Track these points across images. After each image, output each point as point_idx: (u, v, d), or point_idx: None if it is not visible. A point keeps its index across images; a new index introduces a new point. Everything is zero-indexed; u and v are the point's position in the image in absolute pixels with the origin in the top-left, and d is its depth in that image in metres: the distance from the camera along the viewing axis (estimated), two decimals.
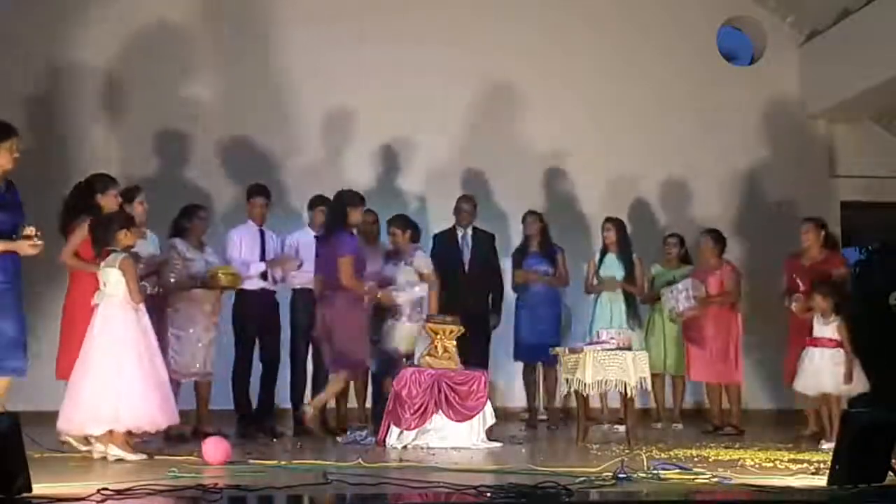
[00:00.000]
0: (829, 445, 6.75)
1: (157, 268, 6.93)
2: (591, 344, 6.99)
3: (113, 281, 5.71)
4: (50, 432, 5.75)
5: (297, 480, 4.52)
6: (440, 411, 6.68)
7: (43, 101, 8.97)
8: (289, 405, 7.82)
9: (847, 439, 4.47)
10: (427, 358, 6.92)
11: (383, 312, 7.44)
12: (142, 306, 5.81)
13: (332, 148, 9.49)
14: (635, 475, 4.73)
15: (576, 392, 6.93)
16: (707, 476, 4.84)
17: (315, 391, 7.79)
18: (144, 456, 5.65)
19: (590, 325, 8.32)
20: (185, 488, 4.25)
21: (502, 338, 8.57)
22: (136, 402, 5.60)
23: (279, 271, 7.61)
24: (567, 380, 6.94)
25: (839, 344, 6.88)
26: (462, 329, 7.04)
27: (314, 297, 7.71)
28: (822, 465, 5.18)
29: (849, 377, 6.81)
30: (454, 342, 6.98)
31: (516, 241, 8.92)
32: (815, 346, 6.97)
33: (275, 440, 7.10)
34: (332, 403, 7.70)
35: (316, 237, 7.80)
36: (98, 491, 3.95)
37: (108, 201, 6.32)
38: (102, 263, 5.77)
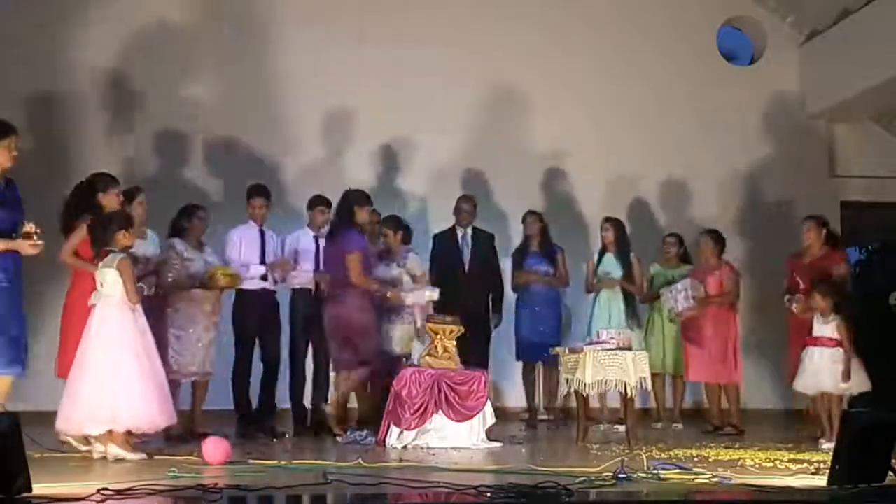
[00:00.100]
0: (828, 445, 6.78)
1: (155, 268, 6.92)
2: (591, 344, 6.99)
3: (110, 281, 5.71)
4: (50, 432, 5.75)
5: (297, 480, 4.52)
6: (440, 411, 6.68)
7: (43, 101, 8.97)
8: (289, 405, 7.83)
9: (847, 439, 4.47)
10: (427, 358, 6.92)
11: (379, 313, 7.45)
12: (139, 307, 5.80)
13: (332, 148, 9.49)
14: (635, 475, 4.72)
15: (576, 392, 6.93)
16: (707, 476, 4.83)
17: (315, 391, 7.81)
18: (144, 455, 5.65)
19: (588, 325, 8.32)
20: (185, 488, 4.25)
21: (503, 338, 8.57)
22: (133, 402, 5.60)
23: (278, 273, 7.61)
24: (567, 380, 6.94)
25: (839, 343, 6.87)
26: (462, 329, 7.04)
27: (313, 296, 7.74)
28: (822, 465, 5.18)
29: (846, 375, 6.80)
30: (454, 342, 6.98)
31: (516, 241, 8.92)
32: (815, 345, 6.97)
33: (275, 440, 7.10)
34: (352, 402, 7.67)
35: (315, 237, 7.85)
36: (98, 491, 3.95)
37: (110, 200, 6.33)
38: (100, 264, 5.77)
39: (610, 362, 6.75)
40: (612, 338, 6.97)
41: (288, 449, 6.57)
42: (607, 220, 8.55)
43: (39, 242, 5.45)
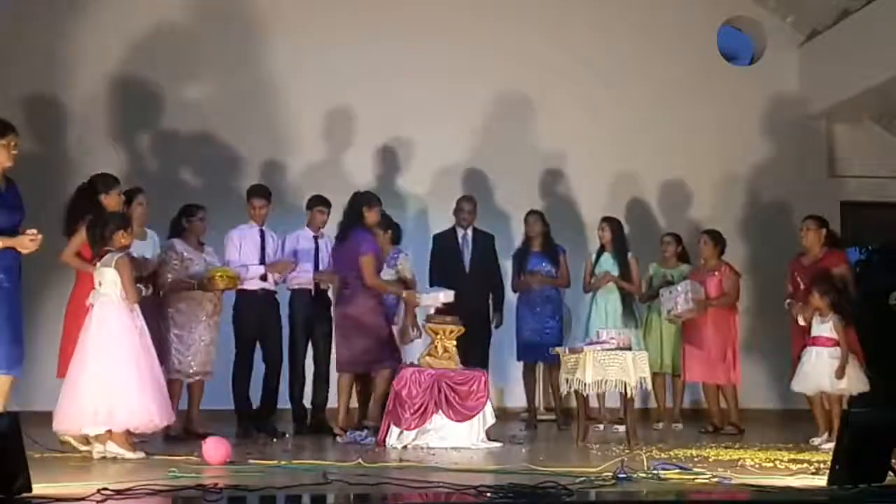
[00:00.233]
0: (819, 441, 6.79)
1: (155, 268, 6.92)
2: (591, 344, 6.99)
3: (108, 281, 5.72)
4: (50, 432, 5.75)
5: (297, 480, 4.52)
6: (440, 411, 6.68)
7: (43, 101, 8.98)
8: (289, 405, 7.83)
9: (847, 439, 4.47)
10: (427, 358, 6.92)
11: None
12: (137, 306, 5.81)
13: (333, 148, 9.49)
14: (635, 475, 4.72)
15: (576, 392, 6.94)
16: (707, 476, 4.83)
17: (316, 391, 7.81)
18: (143, 454, 5.66)
19: (586, 325, 8.32)
20: (185, 488, 4.25)
21: (503, 338, 8.57)
22: (131, 402, 5.61)
23: (277, 273, 7.60)
24: (567, 380, 6.94)
25: (837, 343, 6.87)
26: (462, 329, 7.04)
27: (313, 296, 7.75)
28: (822, 465, 5.18)
29: (840, 372, 6.80)
30: (454, 342, 6.98)
31: (516, 241, 8.93)
32: (814, 345, 6.98)
33: (275, 440, 7.10)
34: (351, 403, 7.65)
35: (315, 237, 7.85)
36: (98, 491, 3.95)
37: (111, 201, 6.35)
38: (98, 263, 5.78)
39: (610, 362, 6.75)
40: (612, 338, 6.96)
41: (288, 449, 6.56)
42: (605, 219, 8.56)
43: (38, 237, 5.44)
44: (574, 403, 7.28)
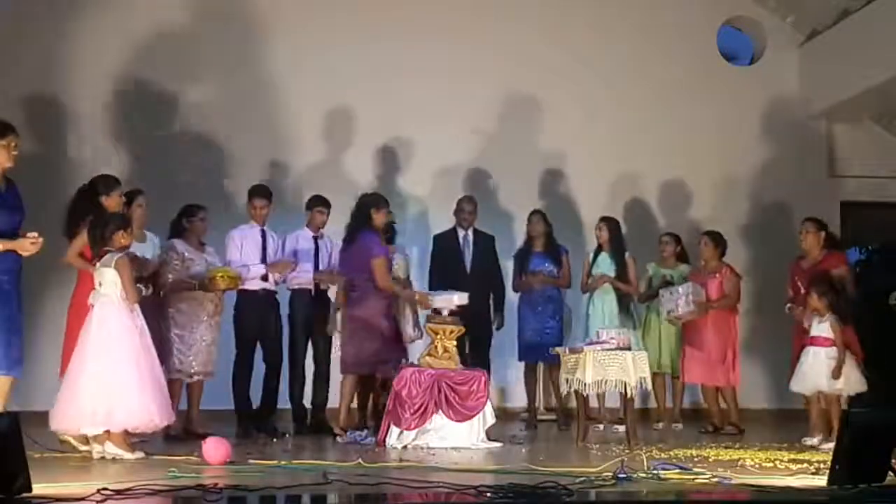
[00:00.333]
0: (812, 441, 6.78)
1: (156, 269, 6.93)
2: (591, 344, 6.99)
3: (108, 280, 5.73)
4: (50, 432, 5.75)
5: (297, 480, 4.53)
6: (440, 411, 6.68)
7: (43, 101, 8.97)
8: (289, 405, 7.83)
9: (847, 439, 4.47)
10: (427, 358, 6.92)
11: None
12: (137, 306, 5.82)
13: (333, 148, 9.49)
14: (635, 475, 4.72)
15: (576, 392, 6.94)
16: (707, 476, 4.83)
17: (316, 391, 7.82)
18: (142, 454, 5.66)
19: (584, 325, 8.32)
20: (184, 488, 4.25)
21: (504, 338, 8.57)
22: (130, 402, 5.61)
23: (277, 273, 7.61)
24: (567, 380, 6.94)
25: (834, 343, 6.87)
26: (462, 329, 7.05)
27: (313, 296, 7.75)
28: (822, 465, 5.18)
29: (837, 372, 6.80)
30: (454, 342, 6.98)
31: (517, 241, 8.93)
32: (812, 345, 6.98)
33: (275, 440, 7.10)
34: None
35: (314, 237, 7.85)
36: (98, 491, 3.95)
37: (112, 202, 6.35)
38: (98, 263, 5.79)
39: (610, 362, 6.76)
40: (612, 338, 6.96)
41: (288, 449, 6.56)
42: (602, 219, 8.56)
43: (39, 240, 5.44)
44: (574, 403, 7.28)
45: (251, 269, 7.46)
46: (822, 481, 4.58)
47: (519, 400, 8.94)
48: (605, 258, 8.44)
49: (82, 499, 3.88)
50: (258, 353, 7.59)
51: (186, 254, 7.22)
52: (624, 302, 8.34)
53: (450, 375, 6.77)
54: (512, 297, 8.61)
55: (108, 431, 5.62)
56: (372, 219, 7.23)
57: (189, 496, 4.13)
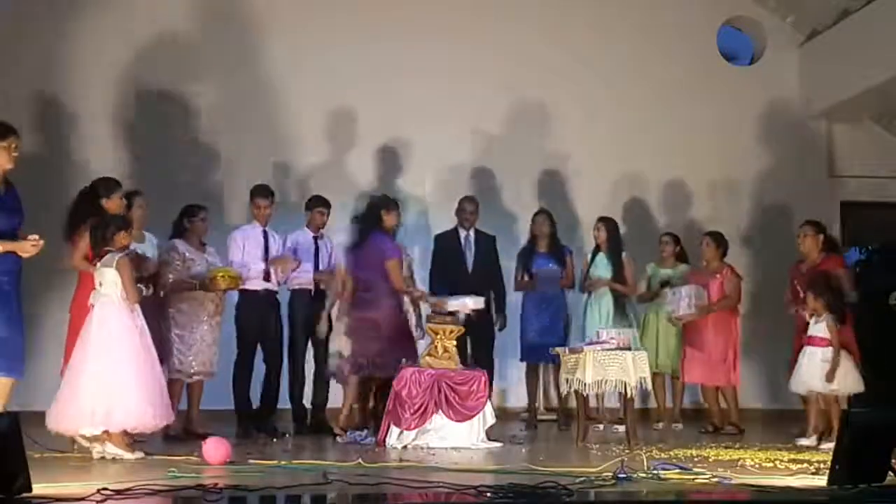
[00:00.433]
0: (806, 441, 6.77)
1: (156, 269, 6.93)
2: (590, 344, 6.99)
3: (108, 281, 5.73)
4: (50, 432, 5.74)
5: (297, 480, 4.52)
6: (440, 411, 6.68)
7: (43, 101, 8.97)
8: (289, 405, 7.83)
9: (847, 439, 4.47)
10: (427, 358, 6.91)
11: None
12: (137, 306, 5.82)
13: (333, 148, 9.49)
14: (635, 475, 4.72)
15: (576, 392, 6.94)
16: (707, 476, 4.83)
17: (316, 391, 7.82)
18: (142, 454, 5.66)
19: (582, 326, 8.32)
20: (184, 488, 4.25)
21: (505, 339, 8.56)
22: (130, 402, 5.61)
23: (280, 269, 7.60)
24: (567, 380, 6.94)
25: (831, 343, 6.88)
26: (462, 329, 7.05)
27: (313, 296, 7.74)
28: (822, 465, 5.17)
29: (830, 376, 6.80)
30: (454, 342, 6.98)
31: (517, 241, 8.93)
32: (809, 344, 6.99)
33: (275, 440, 7.10)
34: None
35: (315, 237, 7.86)
36: (98, 491, 3.95)
37: (113, 205, 6.35)
38: (98, 263, 5.79)
39: (610, 362, 6.76)
40: (612, 338, 6.97)
41: (288, 449, 6.56)
42: (600, 219, 8.55)
43: (40, 242, 5.44)
44: (574, 403, 7.28)
45: (252, 268, 7.46)
46: (822, 481, 4.58)
47: (519, 400, 8.94)
48: (602, 259, 8.44)
49: (82, 499, 3.88)
50: (258, 354, 7.58)
51: (187, 254, 7.22)
52: (620, 303, 8.34)
53: (450, 375, 6.77)
54: (514, 297, 8.59)
55: (106, 431, 5.62)
56: (382, 220, 7.24)
57: (189, 496, 4.13)
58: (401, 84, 9.40)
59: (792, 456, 5.98)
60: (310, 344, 7.82)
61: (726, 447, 6.58)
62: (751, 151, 10.10)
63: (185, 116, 9.21)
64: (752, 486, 4.57)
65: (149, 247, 7.05)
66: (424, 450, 6.39)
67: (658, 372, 8.26)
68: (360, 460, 5.47)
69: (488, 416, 6.80)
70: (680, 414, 8.60)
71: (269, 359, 7.60)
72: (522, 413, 8.80)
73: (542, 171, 9.80)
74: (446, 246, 8.46)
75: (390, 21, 9.49)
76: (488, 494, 4.12)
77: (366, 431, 6.98)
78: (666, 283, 8.39)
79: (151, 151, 9.11)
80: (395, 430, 6.63)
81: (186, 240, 7.30)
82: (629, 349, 6.93)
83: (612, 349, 6.82)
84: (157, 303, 6.91)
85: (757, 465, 5.45)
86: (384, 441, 6.62)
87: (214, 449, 5.41)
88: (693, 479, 4.79)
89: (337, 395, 7.56)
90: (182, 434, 6.94)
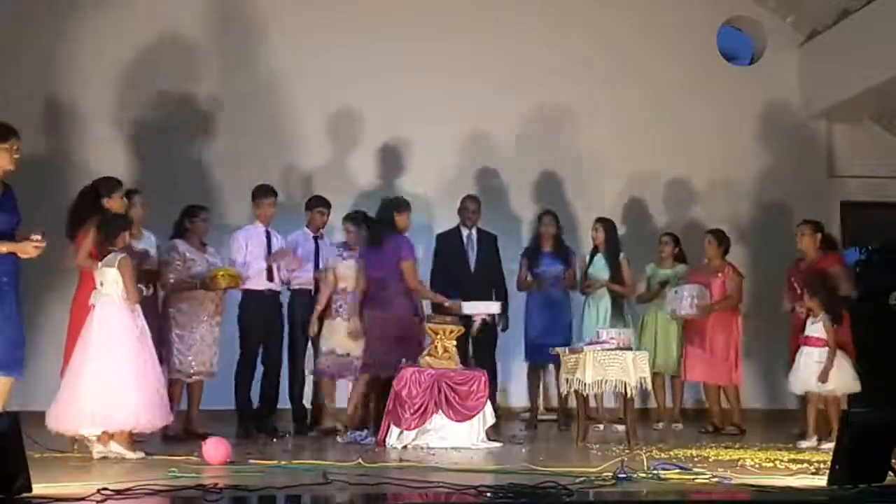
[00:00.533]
0: (807, 444, 6.77)
1: (156, 268, 6.93)
2: (590, 344, 6.99)
3: (109, 280, 5.74)
4: (50, 432, 5.74)
5: (297, 480, 4.52)
6: (440, 411, 6.68)
7: (43, 101, 8.98)
8: (289, 405, 7.83)
9: (847, 439, 4.47)
10: (427, 358, 6.91)
11: (322, 313, 7.52)
12: (138, 306, 5.82)
13: (333, 149, 9.49)
14: (635, 475, 4.72)
15: (576, 392, 6.94)
16: (707, 476, 4.83)
17: (315, 391, 7.81)
18: (143, 454, 5.67)
19: (580, 327, 8.32)
20: (184, 488, 4.25)
21: (507, 339, 8.55)
22: (129, 402, 5.61)
23: (283, 265, 7.59)
24: (567, 380, 6.94)
25: (827, 343, 6.87)
26: (462, 329, 7.05)
27: (312, 297, 7.74)
28: (822, 465, 5.17)
29: (823, 376, 6.80)
30: (454, 342, 6.98)
31: (519, 241, 8.92)
32: (806, 344, 6.99)
33: (275, 440, 7.10)
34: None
35: (315, 237, 7.86)
36: (98, 491, 3.95)
37: (114, 204, 6.35)
38: (100, 263, 5.79)
39: (610, 362, 6.76)
40: (612, 338, 6.97)
41: (288, 449, 6.56)
42: (598, 220, 8.56)
43: (42, 243, 5.44)
44: (574, 403, 7.28)
45: (254, 267, 7.46)
46: (822, 481, 4.58)
47: (520, 400, 8.94)
48: (600, 259, 8.44)
49: (82, 499, 3.88)
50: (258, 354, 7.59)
51: (188, 254, 7.23)
52: (618, 303, 8.34)
53: (450, 375, 6.77)
54: (518, 297, 8.58)
55: (105, 432, 5.62)
56: (396, 222, 7.25)
57: (189, 496, 4.13)
58: (401, 84, 9.40)
59: (792, 456, 5.98)
60: (309, 344, 7.81)
61: (726, 447, 6.58)
62: (751, 151, 10.10)
63: (185, 117, 9.21)
64: (752, 486, 4.57)
65: (148, 245, 7.05)
66: (424, 450, 6.39)
67: (657, 372, 8.26)
68: (360, 460, 5.47)
69: (488, 416, 6.80)
70: (680, 414, 8.60)
71: (269, 358, 7.60)
72: (523, 413, 8.80)
73: (541, 172, 9.79)
74: (448, 245, 8.46)
75: (390, 21, 9.49)
76: (488, 494, 4.12)
77: (366, 431, 6.98)
78: (665, 284, 8.39)
79: (151, 151, 9.11)
80: (395, 430, 6.63)
81: (187, 240, 7.30)
82: (629, 349, 6.93)
83: (612, 349, 6.83)
84: (157, 303, 6.90)
85: (757, 466, 5.44)
86: (384, 441, 6.62)
87: (214, 449, 5.41)
88: (693, 479, 4.79)
89: (339, 395, 7.57)
90: (182, 434, 6.94)
